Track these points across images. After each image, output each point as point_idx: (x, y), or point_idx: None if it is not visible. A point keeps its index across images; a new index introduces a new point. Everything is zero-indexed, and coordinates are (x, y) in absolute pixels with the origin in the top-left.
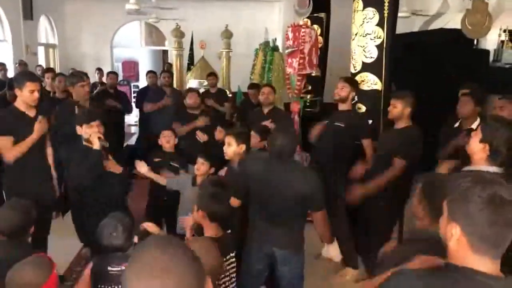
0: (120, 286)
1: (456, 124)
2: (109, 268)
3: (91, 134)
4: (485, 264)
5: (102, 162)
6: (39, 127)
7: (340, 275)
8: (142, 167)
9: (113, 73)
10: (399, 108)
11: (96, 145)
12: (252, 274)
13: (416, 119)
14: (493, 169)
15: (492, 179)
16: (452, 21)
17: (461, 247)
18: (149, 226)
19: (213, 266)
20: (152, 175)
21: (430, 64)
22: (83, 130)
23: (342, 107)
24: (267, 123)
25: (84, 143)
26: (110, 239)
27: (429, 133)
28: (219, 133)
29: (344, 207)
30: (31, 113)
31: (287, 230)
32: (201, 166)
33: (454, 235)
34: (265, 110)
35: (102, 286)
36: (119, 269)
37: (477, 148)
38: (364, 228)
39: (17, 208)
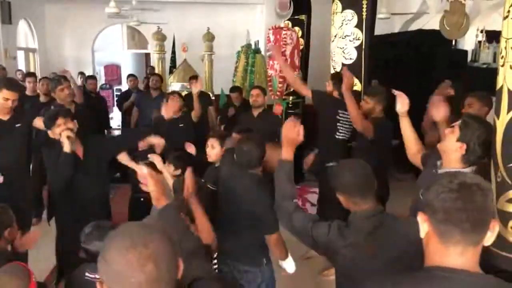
0: None
1: None
2: (87, 274)
3: (61, 133)
4: (454, 257)
5: (72, 164)
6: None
7: (323, 275)
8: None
9: (92, 78)
10: (370, 105)
11: (66, 146)
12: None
13: (394, 118)
14: (466, 171)
15: (458, 171)
16: (431, 22)
17: (431, 241)
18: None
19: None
20: (132, 164)
21: (409, 65)
22: (53, 133)
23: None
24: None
25: (56, 138)
26: (93, 244)
27: None
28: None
29: (337, 208)
30: (4, 117)
31: (241, 243)
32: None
33: (423, 228)
34: (255, 113)
35: None
36: (93, 277)
37: (453, 146)
38: None
39: None
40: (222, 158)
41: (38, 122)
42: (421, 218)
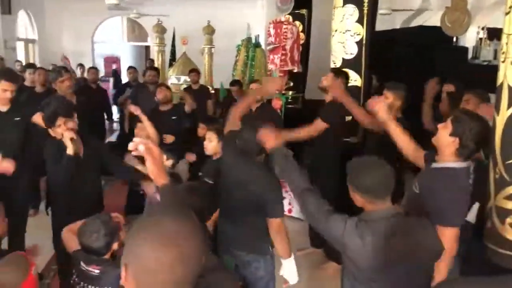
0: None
1: None
2: (82, 264)
3: (62, 134)
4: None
5: (74, 167)
6: None
7: (321, 268)
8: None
9: (94, 69)
10: (389, 100)
11: (70, 149)
12: None
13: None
14: (459, 164)
15: None
16: (432, 18)
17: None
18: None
19: None
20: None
21: (410, 61)
22: (54, 132)
23: (325, 98)
24: None
25: (58, 137)
26: (89, 241)
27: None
28: (201, 130)
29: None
30: (3, 108)
31: (245, 231)
32: None
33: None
34: (253, 107)
35: (74, 277)
36: (86, 268)
37: (446, 141)
38: None
39: None
40: (223, 148)
41: (38, 119)
42: None
